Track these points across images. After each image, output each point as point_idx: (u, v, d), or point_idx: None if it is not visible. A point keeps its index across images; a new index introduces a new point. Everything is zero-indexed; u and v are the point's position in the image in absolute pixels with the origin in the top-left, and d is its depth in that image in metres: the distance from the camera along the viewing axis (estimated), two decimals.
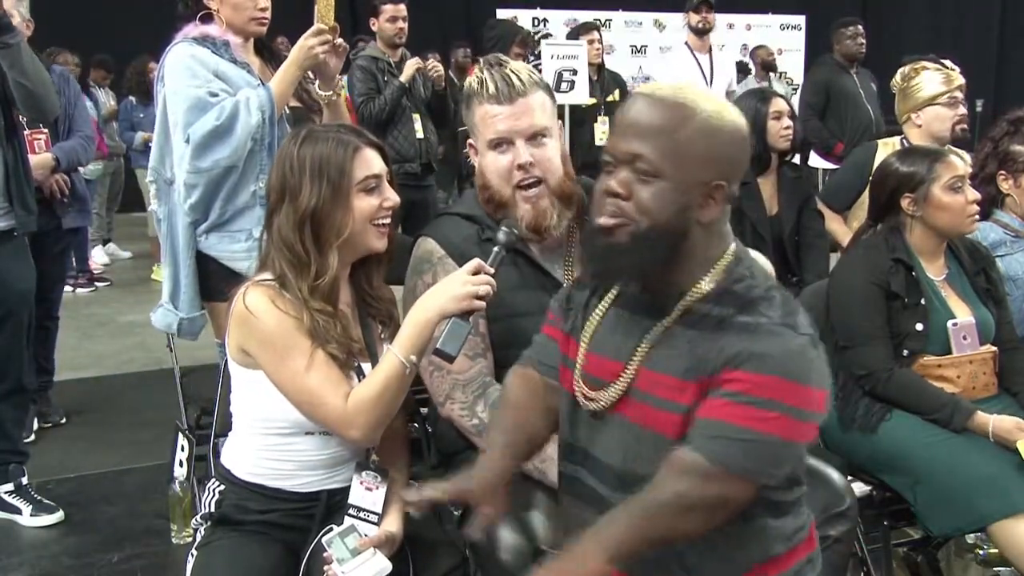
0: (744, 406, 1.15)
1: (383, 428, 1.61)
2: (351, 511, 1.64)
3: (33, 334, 3.53)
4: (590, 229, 1.26)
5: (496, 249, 1.59)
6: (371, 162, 1.62)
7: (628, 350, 1.26)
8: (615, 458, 1.26)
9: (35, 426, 3.59)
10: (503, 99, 1.71)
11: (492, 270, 1.56)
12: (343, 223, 1.58)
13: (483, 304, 1.53)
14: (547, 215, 1.72)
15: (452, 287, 1.53)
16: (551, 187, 1.74)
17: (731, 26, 10.33)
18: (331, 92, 2.35)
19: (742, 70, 7.66)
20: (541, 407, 1.41)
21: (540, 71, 4.89)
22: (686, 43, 5.24)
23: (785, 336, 1.17)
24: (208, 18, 2.33)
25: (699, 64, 5.10)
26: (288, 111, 2.39)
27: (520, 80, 1.72)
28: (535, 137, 1.73)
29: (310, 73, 2.37)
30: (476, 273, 1.54)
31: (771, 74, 7.86)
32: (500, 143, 1.72)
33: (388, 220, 1.65)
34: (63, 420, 3.73)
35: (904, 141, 3.03)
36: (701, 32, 5.12)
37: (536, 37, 5.30)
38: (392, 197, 1.65)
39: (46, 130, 3.28)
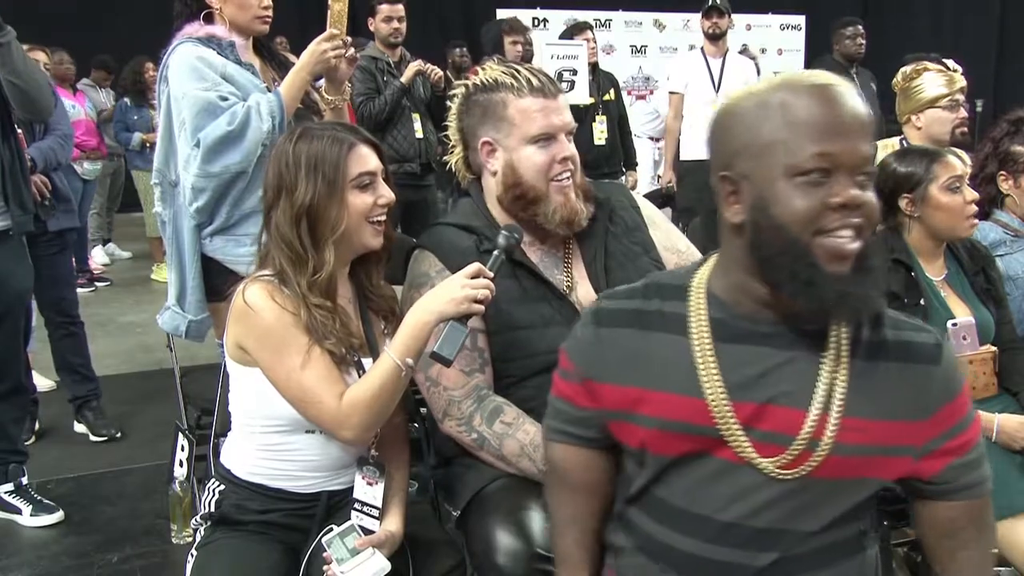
0: (971, 428, 1.18)
1: (376, 429, 1.61)
2: (356, 505, 1.64)
3: (59, 343, 3.54)
4: None
5: (496, 253, 1.59)
6: (366, 159, 1.63)
7: (798, 393, 1.11)
8: (804, 522, 1.13)
9: (35, 427, 3.59)
10: (549, 94, 1.70)
11: (491, 274, 1.56)
12: (338, 219, 1.59)
13: (481, 308, 1.53)
14: (577, 207, 1.72)
15: (451, 290, 1.52)
16: (576, 183, 1.74)
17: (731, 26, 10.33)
18: (339, 96, 2.34)
19: None
20: (608, 488, 1.32)
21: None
22: (702, 48, 5.26)
23: (944, 340, 1.17)
24: (209, 17, 2.31)
25: (709, 69, 5.12)
26: None
27: (551, 78, 1.73)
28: (569, 133, 1.74)
29: None
30: (475, 276, 1.54)
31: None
32: (545, 137, 1.70)
33: (383, 217, 1.65)
34: (119, 435, 3.64)
35: (904, 142, 3.02)
36: (713, 37, 5.15)
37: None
38: (387, 194, 1.65)
39: (20, 130, 3.22)
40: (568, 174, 1.71)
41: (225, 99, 2.20)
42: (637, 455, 1.21)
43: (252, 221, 2.26)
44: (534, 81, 1.70)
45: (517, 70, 1.71)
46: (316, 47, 2.22)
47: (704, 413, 1.12)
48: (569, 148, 1.72)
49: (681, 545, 1.17)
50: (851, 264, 1.06)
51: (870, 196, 1.07)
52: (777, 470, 1.11)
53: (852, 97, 1.08)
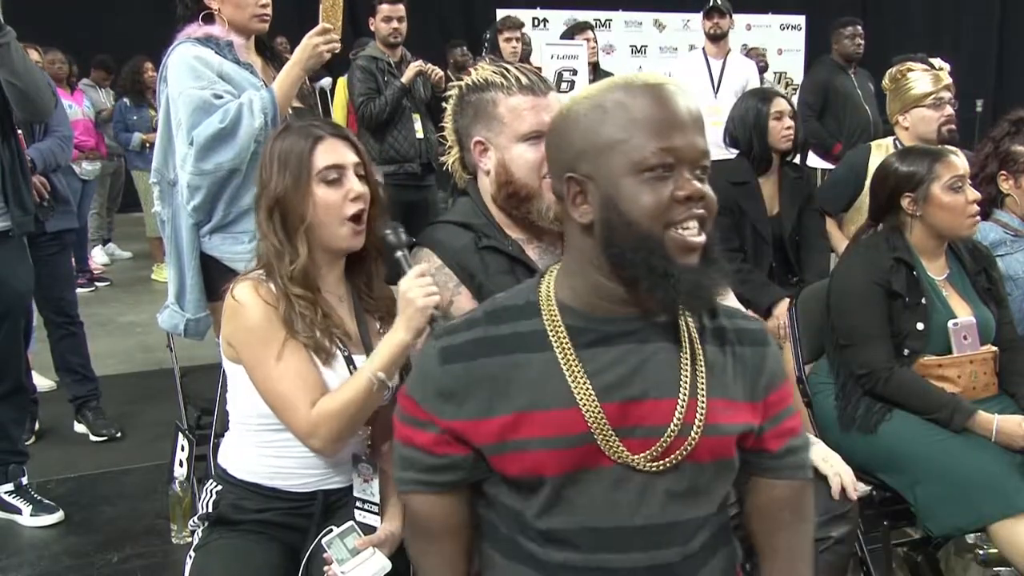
0: (797, 413, 1.28)
1: (345, 441, 1.62)
2: (357, 503, 1.66)
3: (58, 343, 3.53)
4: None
5: (399, 254, 1.61)
6: (334, 152, 1.64)
7: (662, 384, 1.14)
8: (702, 507, 1.17)
9: (35, 427, 3.59)
10: (538, 91, 1.69)
11: (417, 268, 1.59)
12: (303, 210, 1.61)
13: (438, 298, 1.57)
14: None
15: (415, 300, 1.53)
16: None
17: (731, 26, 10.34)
18: None
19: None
20: (470, 529, 1.27)
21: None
22: (703, 48, 5.26)
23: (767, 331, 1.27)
24: (209, 18, 2.32)
25: (709, 69, 5.11)
26: (291, 111, 2.38)
27: (542, 76, 1.72)
28: None
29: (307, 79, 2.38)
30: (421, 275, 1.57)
31: (763, 75, 7.86)
32: (535, 135, 1.69)
33: (357, 209, 1.64)
34: (119, 435, 3.62)
35: (897, 143, 3.02)
36: (715, 38, 5.14)
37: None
38: (356, 189, 1.64)
39: (19, 131, 3.13)
40: None
41: (220, 97, 2.22)
42: (527, 483, 1.16)
43: (249, 218, 2.25)
44: (523, 79, 1.70)
45: (507, 69, 1.72)
46: (308, 41, 2.24)
47: (581, 421, 1.12)
48: None
49: (610, 563, 1.14)
50: (699, 256, 1.11)
51: (709, 189, 1.12)
52: (650, 464, 1.13)
53: (685, 95, 1.12)
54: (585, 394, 1.13)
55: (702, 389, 1.15)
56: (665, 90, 1.11)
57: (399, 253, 1.62)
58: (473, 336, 1.18)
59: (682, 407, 1.14)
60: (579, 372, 1.13)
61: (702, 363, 1.16)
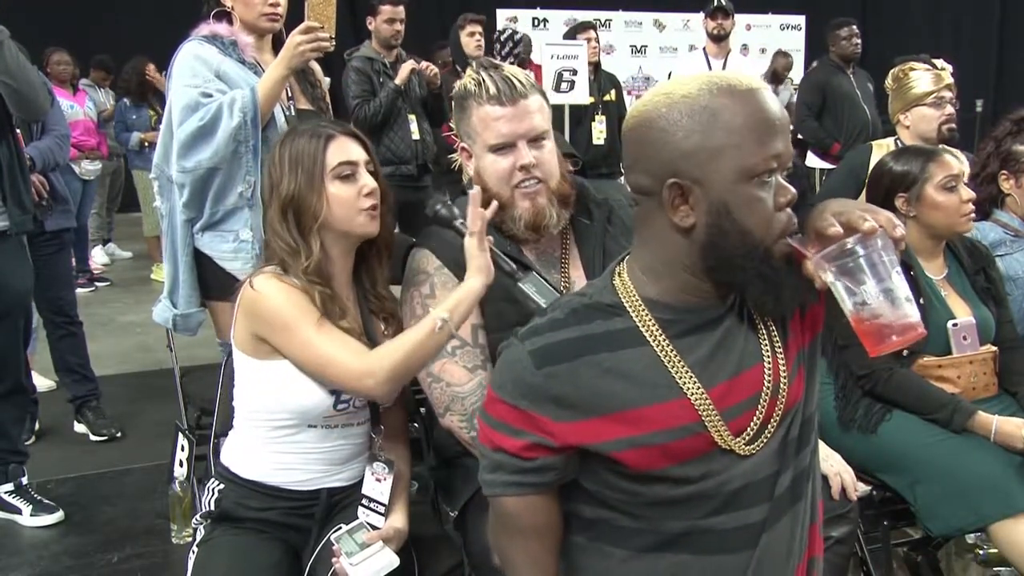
0: None
1: (400, 384, 1.62)
2: (363, 501, 1.67)
3: (58, 343, 3.53)
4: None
5: (457, 223, 1.65)
6: (345, 149, 1.66)
7: (748, 354, 1.18)
8: (790, 458, 1.21)
9: (35, 427, 3.59)
10: (505, 100, 1.68)
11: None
12: (318, 208, 1.64)
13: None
14: (545, 213, 1.70)
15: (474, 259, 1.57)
16: (551, 188, 1.72)
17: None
18: None
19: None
20: (561, 524, 1.29)
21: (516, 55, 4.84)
22: (704, 49, 5.24)
23: None
24: (223, 16, 2.34)
25: (710, 70, 5.10)
26: (294, 112, 2.38)
27: (520, 82, 1.70)
28: (536, 140, 1.71)
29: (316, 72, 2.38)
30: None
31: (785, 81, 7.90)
32: (502, 147, 1.69)
33: (374, 203, 1.66)
34: (119, 435, 3.63)
35: (898, 142, 3.03)
36: (717, 38, 5.13)
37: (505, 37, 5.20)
38: (370, 184, 1.67)
39: (18, 130, 3.10)
40: (534, 181, 1.70)
41: (209, 95, 2.23)
42: (648, 475, 1.16)
43: (236, 217, 2.30)
44: (492, 88, 1.68)
45: (482, 78, 1.71)
46: (291, 40, 2.24)
47: (690, 411, 1.14)
48: (528, 156, 1.68)
49: (750, 518, 1.18)
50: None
51: None
52: (747, 448, 1.17)
53: (775, 97, 1.14)
54: (691, 384, 1.14)
55: (778, 344, 1.19)
56: (765, 94, 1.12)
57: (457, 222, 1.65)
58: (566, 336, 1.17)
59: (769, 370, 1.18)
60: (679, 363, 1.15)
61: (772, 322, 1.20)
